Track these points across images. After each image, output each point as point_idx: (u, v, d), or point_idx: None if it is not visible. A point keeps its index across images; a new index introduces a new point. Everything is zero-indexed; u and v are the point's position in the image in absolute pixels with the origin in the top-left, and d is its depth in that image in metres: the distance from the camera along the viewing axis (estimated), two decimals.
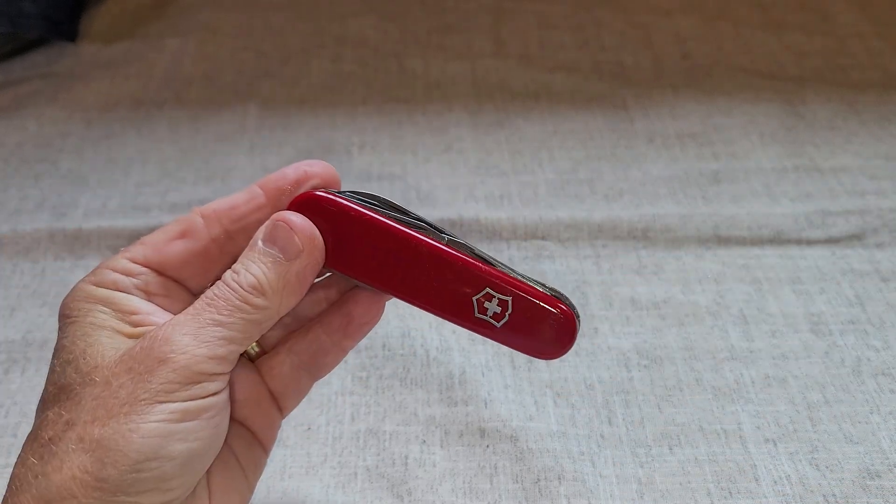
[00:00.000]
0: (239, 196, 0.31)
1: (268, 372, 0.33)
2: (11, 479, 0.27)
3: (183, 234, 0.31)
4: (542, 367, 0.48)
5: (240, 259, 0.30)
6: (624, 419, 0.45)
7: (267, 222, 0.30)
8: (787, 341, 0.49)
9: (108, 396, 0.27)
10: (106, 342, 0.28)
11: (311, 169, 0.31)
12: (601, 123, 0.66)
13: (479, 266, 0.30)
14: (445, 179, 0.61)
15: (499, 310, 0.30)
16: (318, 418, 0.46)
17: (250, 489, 0.32)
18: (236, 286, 0.28)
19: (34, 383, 0.47)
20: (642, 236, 0.55)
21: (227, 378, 0.29)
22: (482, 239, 0.56)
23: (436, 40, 0.75)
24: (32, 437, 0.28)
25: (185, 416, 0.27)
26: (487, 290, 0.30)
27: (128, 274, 0.30)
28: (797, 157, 0.62)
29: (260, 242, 0.29)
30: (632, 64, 0.71)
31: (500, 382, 0.47)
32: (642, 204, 0.58)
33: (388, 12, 0.78)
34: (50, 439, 0.27)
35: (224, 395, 0.29)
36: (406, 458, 0.44)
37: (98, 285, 0.30)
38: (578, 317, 0.31)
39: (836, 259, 0.54)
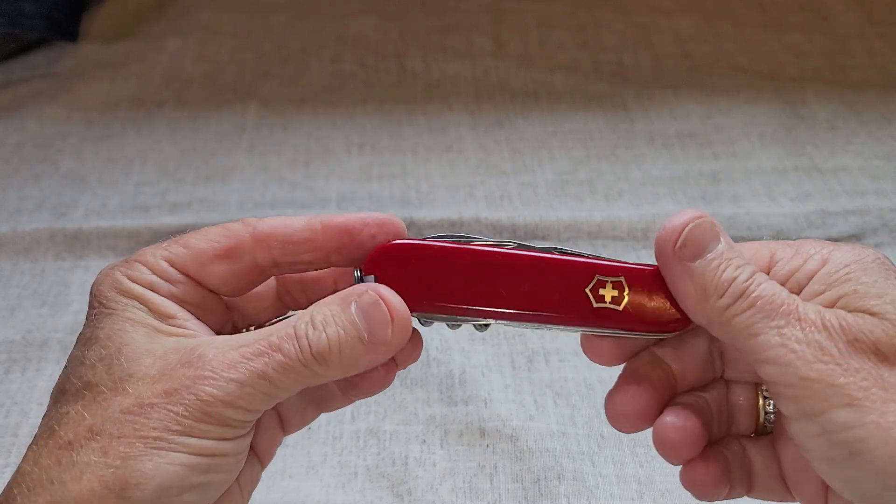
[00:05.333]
0: (296, 225, 0.29)
1: None
2: (21, 474, 0.26)
3: (229, 254, 0.29)
4: (541, 368, 0.48)
5: (323, 305, 0.28)
6: None
7: (369, 288, 0.28)
8: None
9: (140, 416, 0.26)
10: (142, 343, 0.27)
11: (372, 220, 0.29)
12: (601, 123, 0.65)
13: (576, 259, 0.29)
14: (445, 179, 0.61)
15: (616, 293, 0.29)
16: (318, 418, 0.46)
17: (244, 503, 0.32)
18: (305, 346, 0.27)
19: (34, 383, 0.47)
20: (642, 236, 0.55)
21: (252, 424, 0.28)
22: None
23: (436, 40, 0.75)
24: (48, 431, 0.27)
25: (206, 461, 0.26)
26: (597, 277, 0.29)
27: (167, 280, 0.29)
28: (797, 157, 0.62)
29: (354, 305, 0.28)
30: (632, 64, 0.71)
31: (500, 382, 0.47)
32: (642, 204, 0.58)
33: (388, 12, 0.78)
34: (69, 443, 0.26)
35: (245, 442, 0.28)
36: (406, 457, 0.43)
37: (134, 281, 0.29)
38: None
39: None
